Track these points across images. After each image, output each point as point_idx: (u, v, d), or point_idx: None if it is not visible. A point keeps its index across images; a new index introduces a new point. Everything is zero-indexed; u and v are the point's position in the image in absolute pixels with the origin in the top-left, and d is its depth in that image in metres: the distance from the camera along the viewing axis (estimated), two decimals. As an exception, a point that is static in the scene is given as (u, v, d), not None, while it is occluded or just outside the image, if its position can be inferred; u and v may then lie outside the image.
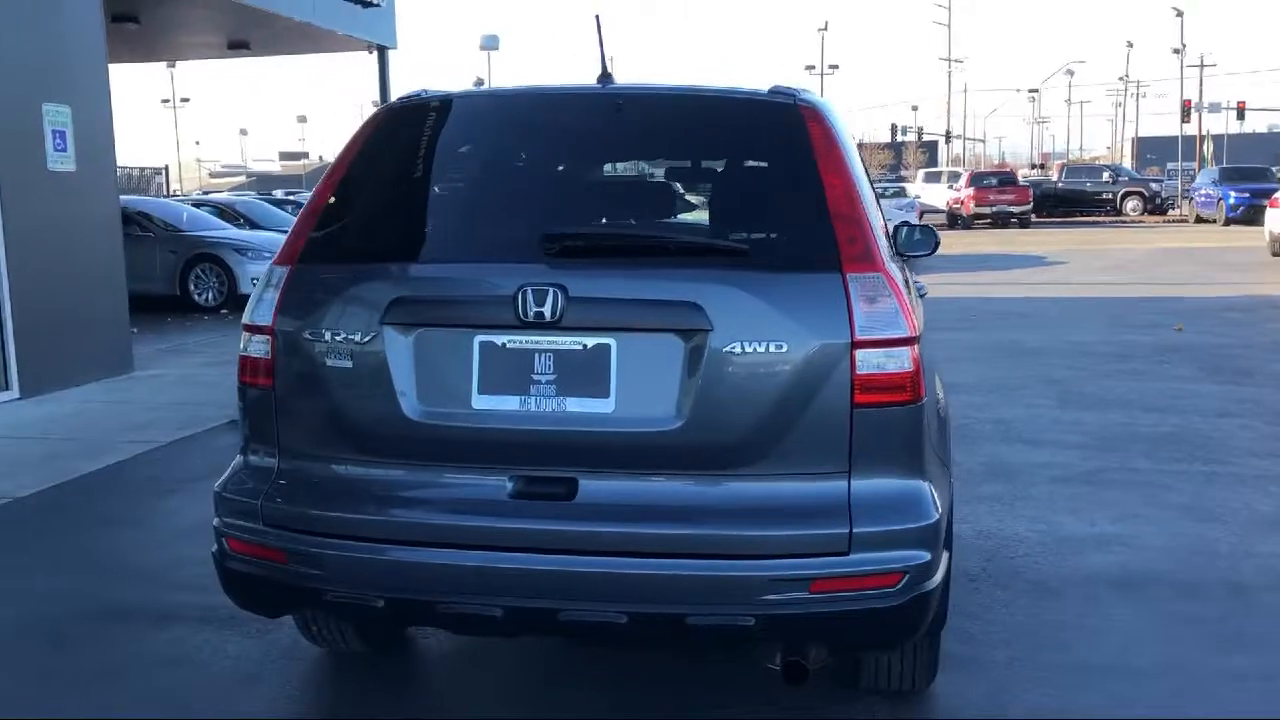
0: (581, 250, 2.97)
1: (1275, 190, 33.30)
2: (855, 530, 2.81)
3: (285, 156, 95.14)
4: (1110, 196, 40.66)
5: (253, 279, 15.03)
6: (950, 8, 61.49)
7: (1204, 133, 45.94)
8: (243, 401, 3.23)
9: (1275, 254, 21.21)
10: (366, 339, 2.98)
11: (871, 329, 2.85)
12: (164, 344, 12.28)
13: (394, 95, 18.92)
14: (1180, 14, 43.79)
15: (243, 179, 74.70)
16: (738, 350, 2.83)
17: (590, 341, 2.88)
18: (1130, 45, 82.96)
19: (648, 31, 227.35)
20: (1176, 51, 43.84)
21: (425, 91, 3.42)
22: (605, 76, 3.44)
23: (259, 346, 3.13)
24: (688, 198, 3.52)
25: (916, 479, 2.95)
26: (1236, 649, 4.04)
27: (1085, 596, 4.50)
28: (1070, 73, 52.86)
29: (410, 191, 3.32)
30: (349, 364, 2.99)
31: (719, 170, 3.26)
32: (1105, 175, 42.16)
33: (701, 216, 3.25)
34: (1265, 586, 4.62)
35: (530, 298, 2.86)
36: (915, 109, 74.68)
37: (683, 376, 2.85)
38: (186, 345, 12.31)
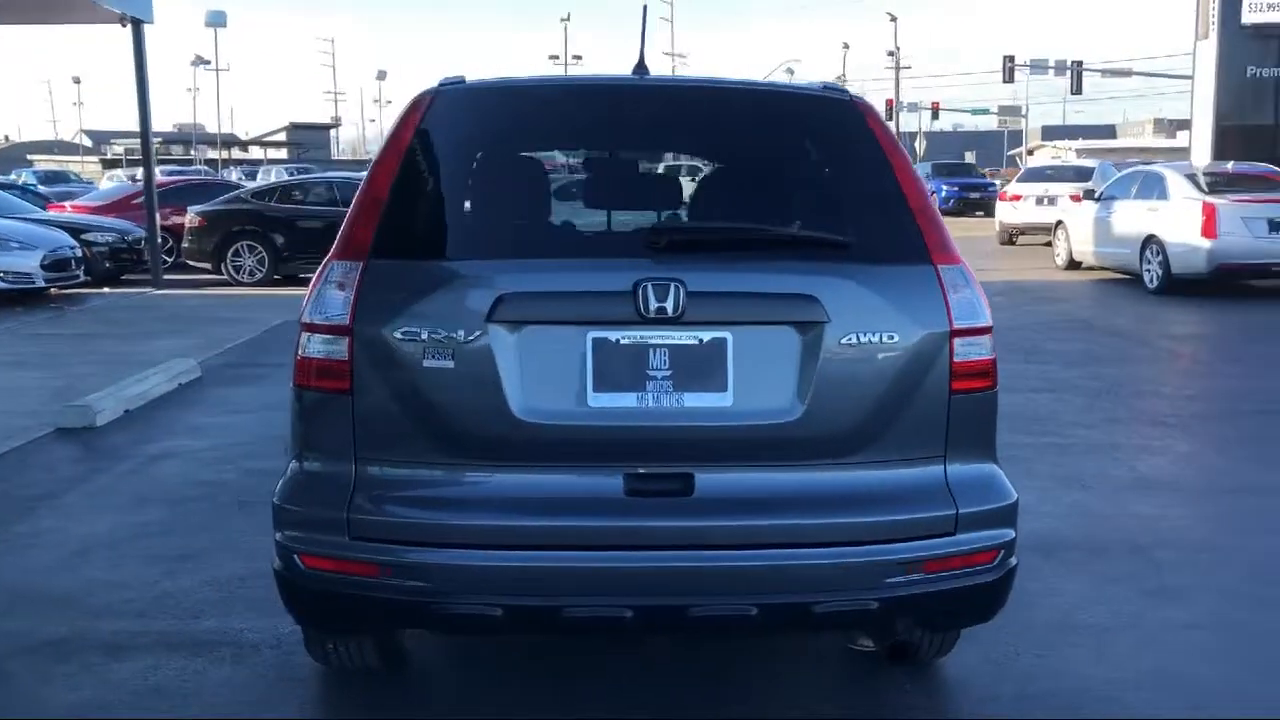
0: (692, 244, 2.96)
1: (983, 184, 36.36)
2: (960, 511, 2.96)
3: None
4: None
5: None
6: (673, 3, 63.30)
7: (920, 129, 49.56)
8: (303, 405, 3.01)
9: (1004, 243, 23.24)
10: (471, 337, 2.84)
11: (963, 318, 3.00)
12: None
13: (151, 69, 17.50)
14: (894, 19, 47.20)
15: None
16: (853, 341, 2.91)
17: (706, 336, 2.88)
18: (846, 47, 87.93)
19: (387, 16, 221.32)
20: (891, 54, 47.21)
21: (463, 78, 3.29)
22: (641, 67, 3.43)
23: (330, 347, 2.92)
24: (754, 191, 3.54)
25: (992, 461, 3.14)
26: (1167, 603, 4.48)
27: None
28: (790, 71, 55.58)
29: (489, 183, 3.19)
30: (451, 364, 2.84)
31: (791, 164, 3.31)
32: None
33: (779, 211, 3.29)
34: (1156, 544, 5.13)
35: (651, 293, 2.82)
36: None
37: (800, 368, 2.90)
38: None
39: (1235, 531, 5.41)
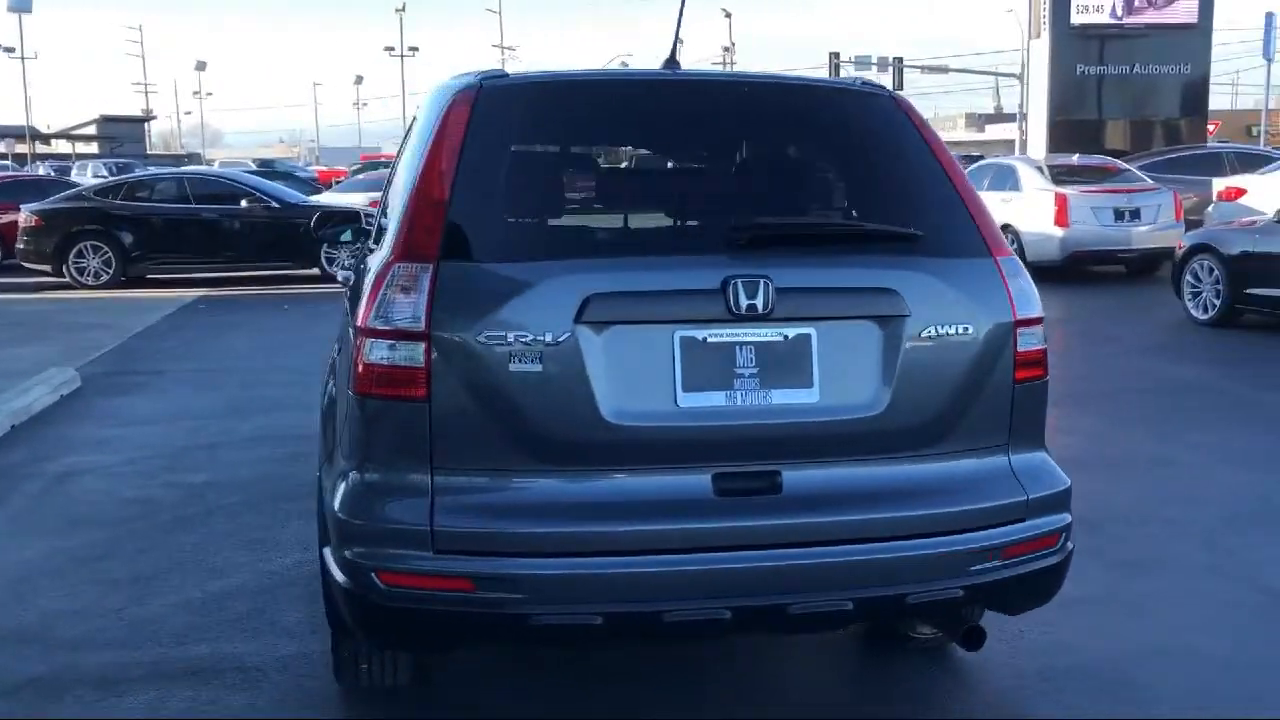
0: (775, 240, 2.93)
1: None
2: (1030, 497, 3.04)
3: None
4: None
5: None
6: (502, -5, 62.82)
7: None
8: (368, 414, 2.85)
9: None
10: (559, 340, 2.75)
11: (1023, 309, 3.08)
12: None
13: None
14: (729, 15, 48.09)
15: None
16: (931, 334, 2.94)
17: (791, 332, 2.86)
18: (682, 42, 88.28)
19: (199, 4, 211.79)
20: (726, 49, 48.07)
21: (504, 71, 3.18)
22: (672, 61, 3.39)
23: (405, 353, 2.77)
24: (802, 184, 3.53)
25: (1044, 449, 3.23)
26: (1136, 576, 4.71)
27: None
28: (624, 64, 55.96)
29: (553, 180, 3.09)
30: (539, 367, 2.74)
31: (845, 160, 3.31)
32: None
33: (845, 206, 3.29)
34: (1105, 519, 5.38)
35: (741, 290, 2.78)
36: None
37: (882, 362, 2.92)
38: None
39: (1171, 503, 5.71)
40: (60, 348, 10.22)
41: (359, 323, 2.87)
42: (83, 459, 6.52)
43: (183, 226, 16.32)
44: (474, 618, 2.77)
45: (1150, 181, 15.50)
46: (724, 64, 55.10)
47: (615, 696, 3.62)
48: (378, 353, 2.80)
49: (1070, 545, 3.19)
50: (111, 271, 15.82)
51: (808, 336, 2.87)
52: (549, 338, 2.74)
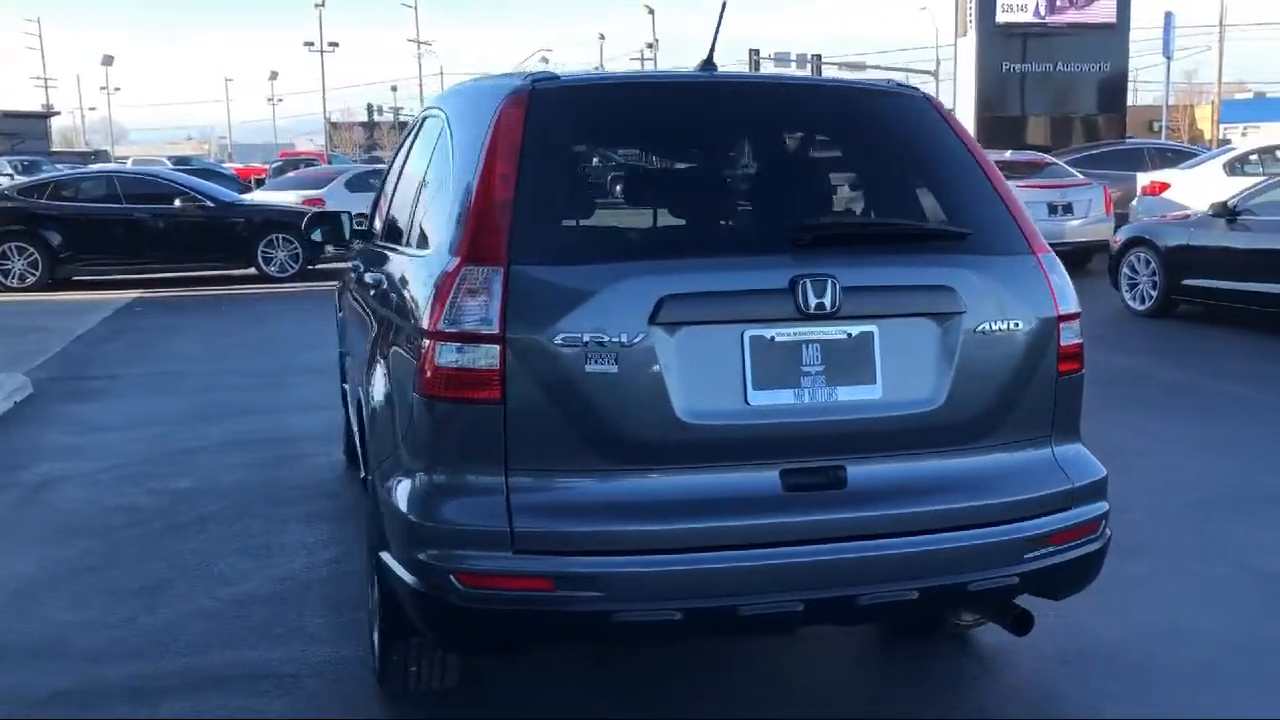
0: (838, 239, 3.00)
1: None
2: (1075, 486, 3.16)
3: None
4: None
5: None
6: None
7: None
8: (438, 417, 2.87)
9: None
10: (635, 340, 2.79)
11: (1064, 304, 3.21)
12: None
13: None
14: (652, 11, 48.27)
15: None
16: (985, 330, 3.05)
17: (855, 330, 2.94)
18: (603, 38, 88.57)
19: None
20: (651, 45, 48.24)
21: (554, 74, 3.21)
22: (709, 64, 3.44)
23: (478, 356, 2.79)
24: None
25: (1079, 440, 3.35)
26: (1130, 560, 4.80)
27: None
28: (544, 59, 55.75)
29: (615, 181, 3.12)
30: (615, 368, 2.78)
31: (888, 159, 3.40)
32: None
33: (897, 205, 3.37)
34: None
35: (809, 289, 2.85)
36: (394, 89, 74.52)
37: (940, 358, 3.01)
38: None
39: (1147, 491, 5.91)
40: (2, 353, 9.93)
41: (428, 326, 2.88)
42: (58, 466, 6.36)
43: (113, 227, 15.89)
44: (554, 617, 2.80)
45: (1081, 176, 15.94)
46: (642, 62, 55.29)
47: (655, 693, 3.65)
48: (449, 356, 2.82)
49: (1109, 532, 3.32)
50: (38, 274, 15.36)
51: (870, 334, 2.95)
52: (624, 339, 2.78)
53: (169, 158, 46.25)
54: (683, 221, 3.24)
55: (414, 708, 3.54)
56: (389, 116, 71.31)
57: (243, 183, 28.59)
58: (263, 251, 15.95)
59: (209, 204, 16.26)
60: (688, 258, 2.99)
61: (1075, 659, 3.90)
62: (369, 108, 70.85)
